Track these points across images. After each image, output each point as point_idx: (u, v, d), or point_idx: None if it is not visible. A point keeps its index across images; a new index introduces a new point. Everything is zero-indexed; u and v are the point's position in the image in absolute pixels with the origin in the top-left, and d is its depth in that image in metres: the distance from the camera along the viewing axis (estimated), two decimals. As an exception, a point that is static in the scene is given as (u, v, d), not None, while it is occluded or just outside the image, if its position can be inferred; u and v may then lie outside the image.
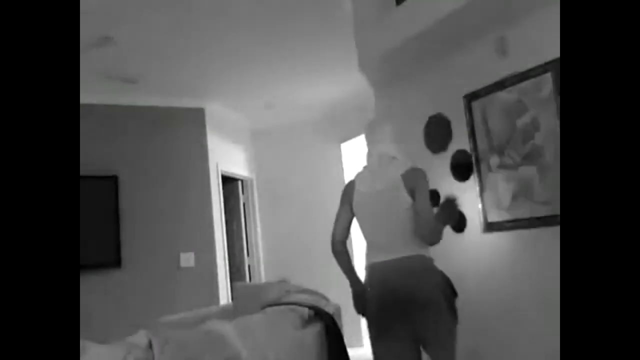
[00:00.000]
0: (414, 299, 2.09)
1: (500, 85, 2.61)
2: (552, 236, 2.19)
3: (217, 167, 5.19)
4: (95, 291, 4.26)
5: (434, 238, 2.13)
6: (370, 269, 2.25)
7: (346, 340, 3.13)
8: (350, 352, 3.13)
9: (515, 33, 2.54)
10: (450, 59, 2.95)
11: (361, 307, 2.30)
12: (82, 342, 1.98)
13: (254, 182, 6.07)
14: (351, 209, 2.33)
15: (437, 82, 3.06)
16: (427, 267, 2.18)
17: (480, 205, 2.76)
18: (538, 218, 2.42)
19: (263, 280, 5.71)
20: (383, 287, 2.17)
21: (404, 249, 2.17)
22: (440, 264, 3.07)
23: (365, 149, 2.45)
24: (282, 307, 3.10)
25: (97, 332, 2.96)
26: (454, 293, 2.19)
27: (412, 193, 2.17)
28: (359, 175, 2.37)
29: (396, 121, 3.46)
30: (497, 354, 2.67)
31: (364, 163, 2.39)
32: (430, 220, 2.12)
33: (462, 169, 2.90)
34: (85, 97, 3.95)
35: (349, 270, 2.36)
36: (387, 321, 2.15)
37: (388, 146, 2.32)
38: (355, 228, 2.42)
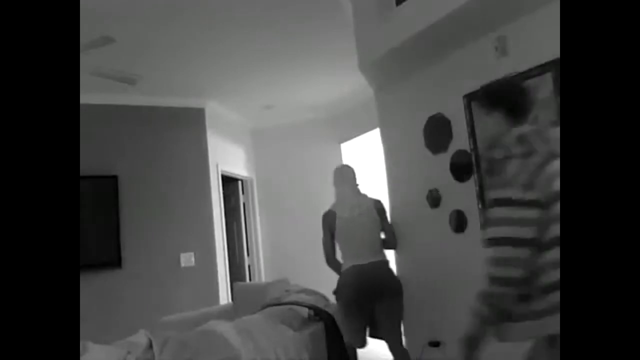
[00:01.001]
0: (387, 289, 3.03)
1: (500, 85, 2.61)
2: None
3: (217, 167, 5.19)
4: (95, 291, 4.26)
5: (396, 247, 3.30)
6: (352, 268, 3.05)
7: (346, 340, 3.13)
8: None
9: (515, 33, 2.54)
10: (450, 58, 2.95)
11: (340, 293, 3.11)
12: (82, 342, 1.99)
13: (254, 182, 6.07)
14: (332, 232, 3.20)
15: (437, 82, 3.06)
16: (390, 268, 3.15)
17: (480, 205, 2.76)
18: (538, 218, 2.41)
19: (263, 280, 5.71)
20: (363, 280, 3.00)
21: (376, 255, 3.11)
22: (440, 264, 3.08)
23: (335, 187, 3.35)
24: (282, 307, 3.10)
25: (97, 332, 2.96)
26: None
27: (379, 216, 3.19)
28: (336, 206, 3.25)
29: (396, 121, 3.48)
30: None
31: (336, 198, 3.31)
32: (394, 236, 3.26)
33: (462, 169, 2.90)
34: (85, 97, 3.95)
35: (340, 272, 3.21)
36: (360, 302, 2.99)
37: (355, 184, 3.31)
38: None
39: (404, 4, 2.96)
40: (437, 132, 3.07)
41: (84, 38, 3.28)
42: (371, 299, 2.99)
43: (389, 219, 3.26)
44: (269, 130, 6.10)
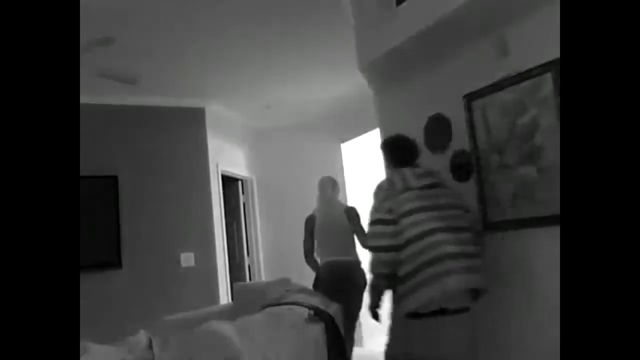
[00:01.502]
0: (353, 284, 3.62)
1: (500, 85, 2.61)
2: (552, 236, 2.19)
3: (217, 167, 5.19)
4: (95, 291, 4.26)
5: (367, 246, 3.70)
6: (326, 263, 3.78)
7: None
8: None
9: (515, 33, 2.54)
10: (450, 58, 2.95)
11: (317, 286, 3.75)
12: (82, 342, 1.98)
13: (254, 182, 6.07)
14: (312, 234, 3.91)
15: (437, 82, 3.06)
16: (359, 266, 3.71)
17: (480, 205, 2.76)
18: (538, 218, 2.41)
19: (263, 280, 5.71)
20: (335, 275, 3.68)
21: (346, 254, 3.78)
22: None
23: (318, 195, 4.12)
24: (282, 307, 3.10)
25: (97, 332, 2.96)
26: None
27: (351, 221, 3.83)
28: (316, 212, 4.02)
29: (396, 121, 3.47)
30: (497, 353, 2.67)
31: (317, 205, 4.11)
32: (364, 236, 3.43)
33: (462, 169, 2.90)
34: (85, 97, 3.95)
35: (316, 269, 3.92)
36: (335, 293, 3.41)
37: (332, 194, 4.08)
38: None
39: (404, 4, 2.96)
40: (437, 132, 3.07)
41: (84, 38, 3.29)
42: (340, 291, 3.53)
43: (362, 223, 3.73)
44: (269, 130, 6.10)
